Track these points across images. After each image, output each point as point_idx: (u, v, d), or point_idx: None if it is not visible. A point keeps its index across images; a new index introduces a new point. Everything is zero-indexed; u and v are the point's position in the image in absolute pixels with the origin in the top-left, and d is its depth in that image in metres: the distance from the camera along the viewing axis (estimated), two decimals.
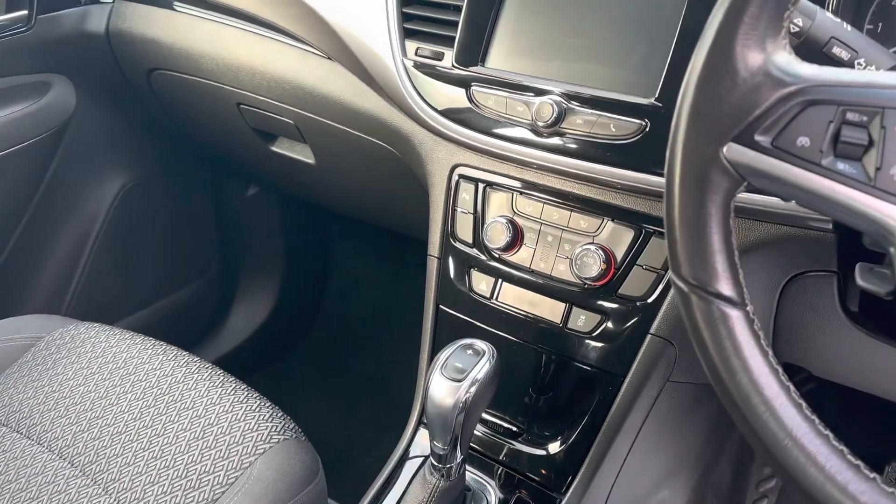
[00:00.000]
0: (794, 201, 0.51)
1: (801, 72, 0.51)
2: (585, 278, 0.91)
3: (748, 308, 0.53)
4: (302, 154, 1.33)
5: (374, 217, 1.51)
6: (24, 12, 1.30)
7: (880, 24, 0.80)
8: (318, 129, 1.22)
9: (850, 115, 0.49)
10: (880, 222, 0.48)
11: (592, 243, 0.91)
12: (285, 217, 1.79)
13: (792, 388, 0.51)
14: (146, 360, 1.08)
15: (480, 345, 0.85)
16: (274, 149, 1.38)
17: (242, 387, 1.03)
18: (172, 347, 1.10)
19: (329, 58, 1.13)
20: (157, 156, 1.60)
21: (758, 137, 0.51)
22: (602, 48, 0.88)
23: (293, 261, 1.83)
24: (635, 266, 0.89)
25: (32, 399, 1.04)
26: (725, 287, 0.52)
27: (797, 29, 0.59)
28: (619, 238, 0.90)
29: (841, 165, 0.49)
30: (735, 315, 0.52)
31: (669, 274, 0.56)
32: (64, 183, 1.46)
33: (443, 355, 0.84)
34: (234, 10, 1.22)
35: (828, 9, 0.75)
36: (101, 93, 1.45)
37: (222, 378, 1.04)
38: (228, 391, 1.02)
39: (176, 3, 1.31)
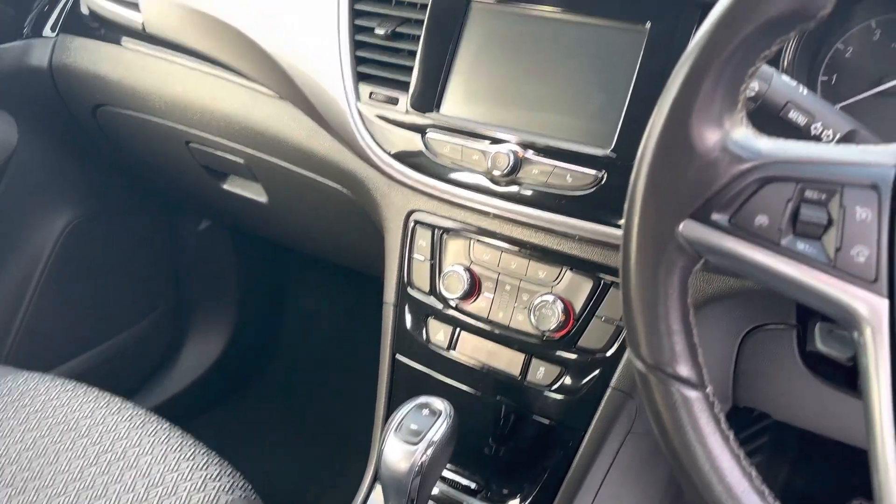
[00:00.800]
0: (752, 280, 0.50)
1: (759, 147, 0.49)
2: (544, 330, 0.89)
3: (707, 390, 0.51)
4: (254, 193, 1.29)
5: (331, 256, 1.47)
6: None
7: (834, 76, 0.79)
8: (269, 168, 1.19)
9: (808, 193, 0.48)
10: (842, 305, 0.47)
11: (551, 293, 0.89)
12: (239, 251, 1.74)
13: (754, 473, 0.50)
14: (88, 413, 1.03)
15: (437, 404, 0.82)
16: (225, 187, 1.34)
17: (189, 441, 0.98)
18: (116, 398, 1.05)
19: (280, 97, 1.10)
20: (105, 191, 1.55)
21: (715, 215, 0.49)
22: (558, 96, 0.86)
23: (247, 296, 1.78)
24: (594, 318, 0.88)
25: None
26: (684, 369, 0.50)
27: (753, 93, 0.58)
28: (578, 289, 0.89)
29: (801, 245, 0.48)
30: (695, 397, 0.50)
31: (628, 352, 0.54)
32: (4, 222, 1.40)
33: (398, 416, 0.81)
34: (183, 47, 1.18)
35: (782, 61, 0.75)
36: (44, 129, 1.39)
37: (168, 432, 0.99)
38: (174, 447, 0.97)
39: (124, 38, 1.27)
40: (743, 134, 0.50)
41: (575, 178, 0.84)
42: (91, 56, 1.30)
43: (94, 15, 1.29)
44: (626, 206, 0.52)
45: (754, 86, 0.58)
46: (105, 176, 1.53)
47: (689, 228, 0.50)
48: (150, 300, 1.70)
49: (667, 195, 0.50)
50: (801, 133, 0.59)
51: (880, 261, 0.46)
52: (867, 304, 0.46)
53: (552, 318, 0.88)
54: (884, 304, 0.45)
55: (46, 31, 1.34)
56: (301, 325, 1.86)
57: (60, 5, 1.34)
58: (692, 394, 0.50)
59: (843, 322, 0.47)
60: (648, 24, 0.80)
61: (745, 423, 1.32)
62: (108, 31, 1.29)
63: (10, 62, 1.31)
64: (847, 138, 0.60)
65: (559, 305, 0.88)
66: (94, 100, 1.34)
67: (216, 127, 1.19)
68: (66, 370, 1.51)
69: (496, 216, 0.91)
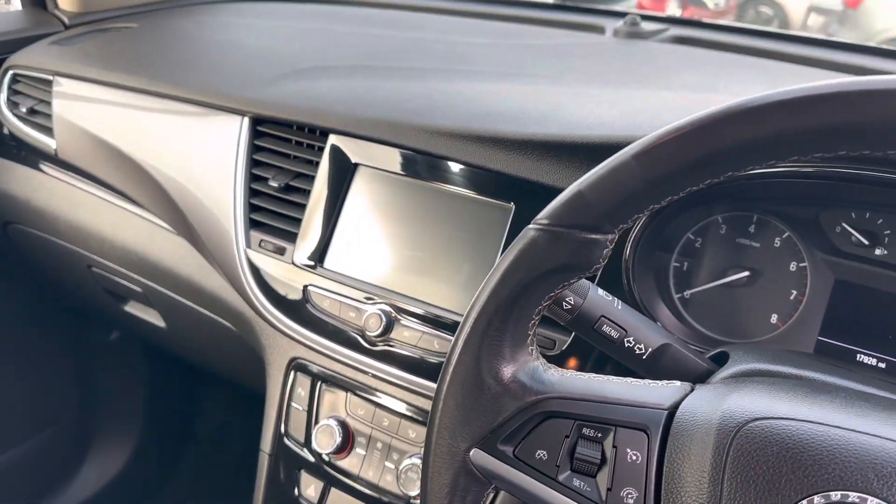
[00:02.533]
0: None
1: (545, 381, 0.52)
2: (409, 495, 0.88)
3: None
4: (153, 317, 1.29)
5: (233, 379, 1.46)
6: None
7: (685, 263, 0.83)
8: (165, 298, 1.19)
9: (585, 431, 0.50)
10: None
11: (419, 455, 0.90)
12: (148, 365, 1.71)
13: None
14: None
15: None
16: (127, 309, 1.33)
17: None
18: None
19: (177, 233, 1.12)
20: (13, 301, 1.53)
21: (501, 446, 0.51)
22: (432, 263, 0.89)
23: (153, 412, 1.74)
24: None
25: None
26: None
27: (570, 306, 0.61)
28: None
29: (576, 482, 0.49)
30: None
31: None
32: None
33: None
34: (92, 175, 1.20)
35: (627, 246, 0.79)
36: None
37: None
38: None
39: (40, 162, 1.28)
40: (531, 368, 0.52)
41: (442, 344, 0.86)
42: (3, 175, 1.31)
43: (12, 136, 1.31)
44: (427, 428, 0.53)
45: (570, 299, 0.60)
46: (14, 288, 1.52)
47: (478, 456, 0.51)
48: (51, 412, 1.65)
49: (460, 423, 0.52)
50: (615, 346, 0.62)
51: None
52: None
53: (418, 483, 0.88)
54: None
55: None
56: (211, 441, 1.82)
57: None
58: None
59: None
60: (513, 204, 0.84)
61: None
62: (26, 153, 1.31)
63: None
64: (658, 352, 0.62)
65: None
66: (4, 216, 1.34)
67: (115, 255, 1.19)
68: None
69: (370, 375, 0.92)
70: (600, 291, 0.62)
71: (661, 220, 0.79)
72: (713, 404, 0.50)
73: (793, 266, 0.79)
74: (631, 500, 0.48)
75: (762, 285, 0.81)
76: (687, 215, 0.83)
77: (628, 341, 0.62)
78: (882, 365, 0.75)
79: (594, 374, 0.54)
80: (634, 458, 0.49)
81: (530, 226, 0.52)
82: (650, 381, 0.54)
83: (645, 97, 0.93)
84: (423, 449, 0.53)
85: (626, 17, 1.30)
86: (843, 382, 0.58)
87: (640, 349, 0.63)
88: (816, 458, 0.45)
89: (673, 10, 7.92)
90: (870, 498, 0.43)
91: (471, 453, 0.51)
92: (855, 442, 0.46)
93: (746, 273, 0.81)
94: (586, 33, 1.31)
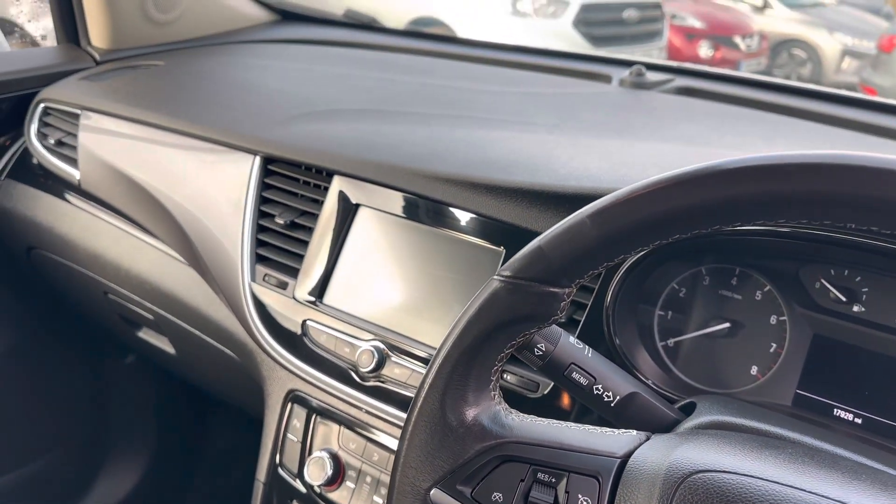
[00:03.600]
0: None
1: (505, 425, 0.54)
2: None
3: None
4: (163, 344, 1.33)
5: (241, 406, 1.50)
6: None
7: (669, 313, 0.85)
8: (174, 326, 1.23)
9: (540, 475, 0.52)
10: None
11: None
12: (161, 388, 1.76)
13: None
14: None
15: None
16: (140, 335, 1.38)
17: None
18: None
19: (188, 264, 1.16)
20: (35, 323, 1.59)
21: (459, 486, 0.53)
22: (426, 303, 0.92)
23: (165, 432, 1.78)
24: None
25: None
26: None
27: (541, 352, 0.63)
28: None
29: None
30: None
31: None
32: None
33: None
34: (112, 206, 1.26)
35: (608, 295, 0.81)
36: None
37: None
38: None
39: (65, 191, 1.35)
40: (493, 411, 0.55)
41: None
42: (29, 202, 1.38)
43: (40, 166, 1.38)
44: (392, 466, 0.56)
45: (542, 346, 0.63)
46: (36, 310, 1.58)
47: (437, 496, 0.54)
48: (66, 431, 1.70)
49: (422, 462, 0.54)
50: (584, 393, 0.64)
51: None
52: None
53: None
54: None
55: None
56: (220, 464, 1.85)
57: (10, 153, 1.43)
58: None
59: None
60: (503, 249, 0.87)
61: None
62: (51, 182, 1.37)
63: None
64: (626, 400, 0.64)
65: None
66: (28, 242, 1.40)
67: (130, 283, 1.24)
68: None
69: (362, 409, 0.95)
70: (571, 339, 0.64)
71: (643, 270, 0.82)
72: (662, 455, 0.52)
73: (773, 319, 0.81)
74: None
75: (743, 337, 0.82)
76: (672, 266, 0.85)
77: (597, 389, 0.64)
78: (858, 420, 0.76)
79: (553, 421, 0.56)
80: (585, 503, 0.51)
81: (494, 277, 0.55)
82: (608, 429, 0.56)
83: (638, 149, 0.96)
84: (388, 489, 0.56)
85: (632, 66, 1.34)
86: (801, 438, 0.59)
87: (609, 397, 0.65)
88: None
89: (705, 51, 7.97)
90: None
91: (431, 493, 0.54)
92: (791, 497, 0.47)
93: (727, 324, 0.83)
94: (593, 82, 1.35)
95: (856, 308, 0.77)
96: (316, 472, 0.96)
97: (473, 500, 0.53)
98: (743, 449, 0.52)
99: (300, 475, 1.00)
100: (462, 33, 5.78)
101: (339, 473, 0.97)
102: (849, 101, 1.20)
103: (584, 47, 6.02)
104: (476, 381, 0.55)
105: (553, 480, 0.52)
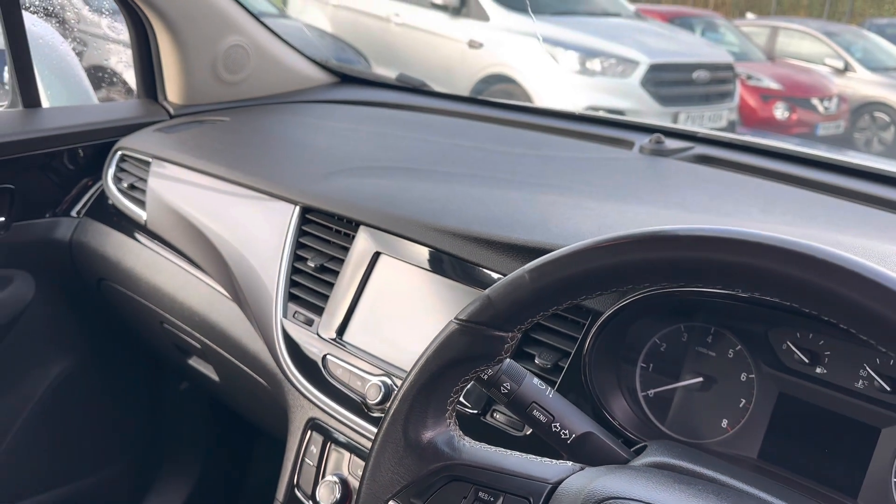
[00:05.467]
0: None
1: (456, 448, 0.63)
2: None
3: None
4: (209, 371, 1.46)
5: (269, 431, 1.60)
6: (2, 219, 1.51)
7: (651, 365, 0.92)
8: (218, 356, 1.36)
9: (481, 494, 0.61)
10: None
11: None
12: (211, 414, 1.89)
13: None
14: None
15: None
16: (190, 362, 1.52)
17: None
18: None
19: (231, 299, 1.29)
20: (100, 348, 1.75)
21: (413, 500, 0.62)
22: (423, 342, 1.01)
23: (212, 460, 1.91)
24: None
25: None
26: None
27: (506, 390, 0.72)
28: None
29: None
30: None
31: None
32: (7, 363, 1.60)
33: None
34: (169, 244, 1.41)
35: (585, 347, 0.88)
36: (57, 291, 1.63)
37: None
38: None
39: (134, 230, 1.52)
40: (447, 436, 0.64)
41: None
42: (102, 238, 1.55)
43: (113, 206, 1.55)
44: (360, 480, 0.65)
45: (507, 385, 0.71)
46: (101, 335, 1.75)
47: None
48: (119, 449, 1.85)
49: (383, 477, 0.63)
50: (544, 429, 0.72)
51: None
52: None
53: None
54: None
55: (73, 212, 1.61)
56: (256, 494, 1.96)
57: (89, 194, 1.62)
58: None
59: None
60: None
61: None
62: (123, 221, 1.54)
63: (39, 235, 1.58)
64: (582, 439, 0.72)
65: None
66: (99, 274, 1.58)
67: (182, 315, 1.39)
68: None
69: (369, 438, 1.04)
70: (535, 381, 0.73)
71: (619, 323, 0.89)
72: (586, 483, 0.59)
73: (743, 376, 0.87)
74: None
75: (715, 391, 0.88)
76: (652, 321, 0.92)
77: (555, 426, 0.72)
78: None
79: (500, 448, 0.65)
80: None
81: (451, 320, 0.64)
82: (546, 458, 0.64)
83: (632, 214, 1.04)
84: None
85: (652, 133, 1.42)
86: (725, 479, 0.65)
87: (565, 434, 0.73)
88: None
89: (781, 112, 7.90)
90: None
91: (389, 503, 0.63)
92: None
93: (700, 379, 0.89)
94: (615, 148, 1.44)
95: (818, 370, 0.83)
96: (326, 495, 1.05)
97: None
98: (658, 483, 0.59)
99: (313, 497, 1.09)
100: (531, 90, 5.94)
101: (346, 497, 1.05)
102: (873, 178, 1.22)
103: (652, 107, 6.09)
104: (434, 409, 0.64)
105: (491, 500, 0.60)
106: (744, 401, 0.86)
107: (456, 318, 0.64)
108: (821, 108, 8.07)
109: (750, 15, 12.76)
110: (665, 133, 1.43)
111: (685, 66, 6.40)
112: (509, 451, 0.64)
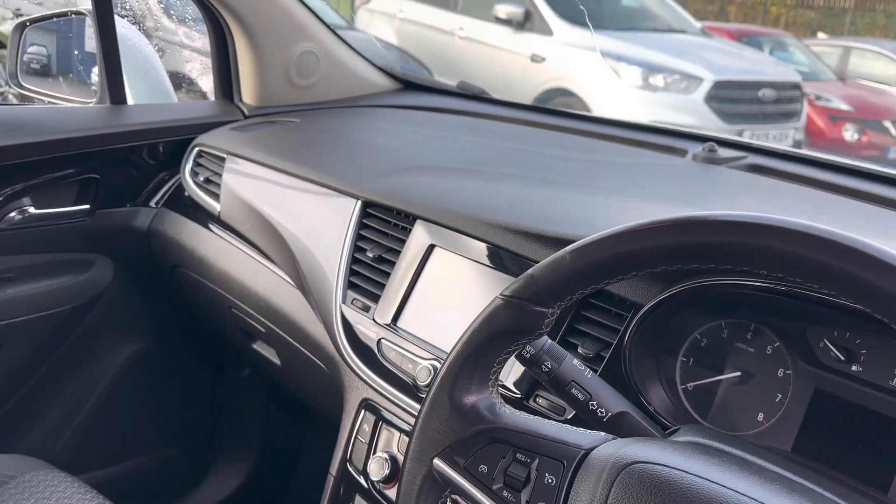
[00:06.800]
0: None
1: (497, 414, 0.69)
2: None
3: None
4: (272, 355, 1.55)
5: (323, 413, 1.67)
6: (88, 206, 1.63)
7: (691, 359, 0.96)
8: (281, 340, 1.45)
9: (518, 455, 0.66)
10: None
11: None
12: (269, 402, 1.99)
13: None
14: None
15: None
16: (254, 346, 1.61)
17: None
18: None
19: (296, 286, 1.38)
20: (171, 331, 1.87)
21: (456, 457, 0.68)
22: None
23: (269, 445, 2.00)
24: None
25: None
26: None
27: (547, 369, 0.77)
28: None
29: (505, 493, 0.65)
30: None
31: None
32: (86, 341, 1.73)
33: None
34: (239, 233, 1.51)
35: (626, 338, 0.93)
36: (134, 276, 1.75)
37: None
38: None
39: (209, 220, 1.62)
40: (490, 402, 0.69)
41: None
42: (177, 228, 1.66)
43: (189, 198, 1.66)
44: (408, 439, 0.71)
45: (548, 364, 0.77)
46: (172, 320, 1.86)
47: (438, 463, 0.68)
48: (181, 429, 1.96)
49: (430, 436, 0.69)
50: (581, 407, 0.77)
51: None
52: None
53: None
54: None
55: (152, 203, 1.73)
56: (310, 482, 2.04)
57: (167, 186, 1.73)
58: None
59: None
60: None
61: None
62: (198, 212, 1.65)
63: (120, 222, 1.70)
64: (618, 417, 0.76)
65: None
66: (173, 260, 1.69)
67: (249, 300, 1.48)
68: (97, 477, 1.76)
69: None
70: (575, 361, 0.78)
71: (659, 315, 0.93)
72: (616, 450, 0.64)
73: (780, 372, 0.90)
74: None
75: (753, 385, 0.92)
76: (693, 316, 0.96)
77: (592, 404, 0.77)
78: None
79: (537, 417, 0.70)
80: (550, 481, 0.64)
81: (497, 296, 0.70)
82: (581, 428, 0.69)
83: (679, 213, 1.08)
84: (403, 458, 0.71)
85: (706, 142, 1.45)
86: (758, 461, 0.69)
87: (602, 412, 0.77)
88: (676, 497, 0.58)
89: (850, 134, 7.71)
90: None
91: (434, 461, 0.69)
92: (716, 491, 0.58)
93: (739, 373, 0.92)
94: (668, 155, 1.47)
95: (854, 367, 0.85)
96: (376, 470, 1.11)
97: (465, 469, 0.67)
98: (687, 452, 0.64)
99: (364, 471, 1.16)
100: (592, 104, 5.95)
101: (395, 472, 1.12)
102: None
103: (715, 124, 6.03)
104: (478, 377, 0.69)
105: (528, 461, 0.66)
106: (780, 395, 0.89)
107: (501, 294, 0.70)
108: (894, 131, 7.84)
109: (821, 35, 12.46)
110: (719, 143, 1.46)
111: (751, 83, 6.32)
112: (546, 420, 0.69)
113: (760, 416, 0.90)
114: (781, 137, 6.36)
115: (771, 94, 6.32)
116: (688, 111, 6.05)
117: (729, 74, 6.18)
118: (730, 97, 6.17)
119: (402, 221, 1.23)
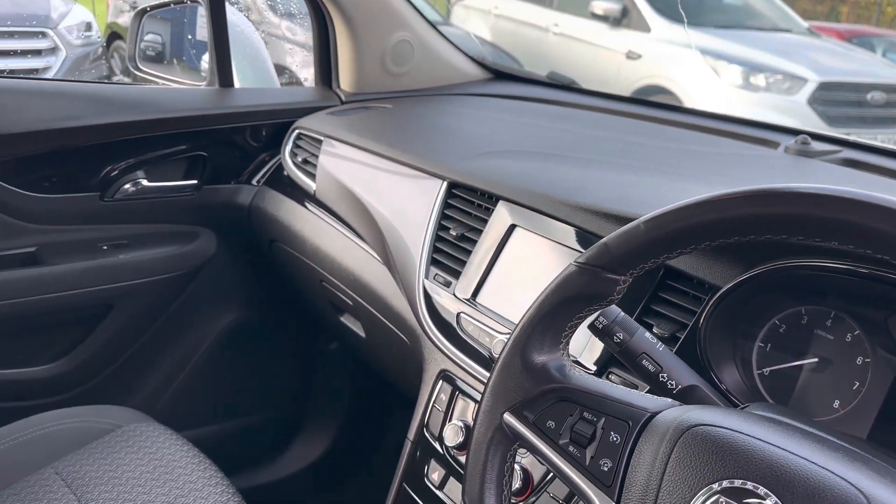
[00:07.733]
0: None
1: (567, 374, 0.72)
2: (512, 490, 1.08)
3: None
4: (358, 328, 1.63)
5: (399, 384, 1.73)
6: (195, 182, 1.75)
7: (769, 345, 0.96)
8: (367, 313, 1.52)
9: (585, 414, 0.69)
10: (587, 497, 0.67)
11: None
12: (354, 375, 2.07)
13: None
14: (189, 481, 1.31)
15: None
16: (342, 319, 1.69)
17: None
18: (217, 474, 1.31)
19: (382, 262, 1.44)
20: (265, 303, 1.98)
21: (526, 412, 0.72)
22: None
23: (353, 417, 2.08)
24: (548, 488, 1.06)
25: (96, 476, 1.30)
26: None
27: (619, 340, 0.79)
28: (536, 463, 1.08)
29: (571, 448, 0.69)
30: None
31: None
32: (188, 308, 1.85)
33: None
34: (332, 210, 1.59)
35: (702, 319, 0.94)
36: (235, 249, 1.86)
37: None
38: None
39: (305, 198, 1.71)
40: (560, 363, 0.73)
41: None
42: (276, 205, 1.76)
43: (288, 178, 1.76)
44: (481, 394, 0.75)
45: (620, 335, 0.79)
46: (268, 292, 1.97)
47: (509, 418, 0.72)
48: (272, 396, 2.07)
49: (502, 392, 0.73)
50: (652, 378, 0.79)
51: (617, 473, 0.66)
52: (601, 502, 0.65)
53: (514, 482, 1.08)
54: None
55: (253, 181, 1.84)
56: (390, 456, 2.11)
57: (268, 166, 1.84)
58: None
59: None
60: None
61: None
62: (295, 191, 1.75)
63: (224, 198, 1.82)
64: (687, 390, 0.78)
65: (519, 474, 1.08)
66: (271, 235, 1.79)
67: (339, 274, 1.55)
68: (193, 434, 1.88)
69: None
70: (647, 334, 0.80)
71: (736, 299, 0.94)
72: (681, 413, 0.66)
73: (859, 360, 0.89)
74: (606, 469, 0.66)
75: (830, 372, 0.91)
76: (771, 301, 0.96)
77: (662, 377, 0.79)
78: None
79: (603, 380, 0.73)
80: (615, 439, 0.67)
81: (571, 263, 0.73)
82: (648, 393, 0.71)
83: None
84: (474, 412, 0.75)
85: (798, 135, 1.43)
86: (828, 436, 0.69)
87: (672, 385, 0.79)
88: (737, 457, 0.60)
89: None
90: (762, 489, 0.58)
91: (504, 415, 0.73)
92: (777, 455, 0.60)
93: (817, 360, 0.92)
94: (759, 146, 1.46)
95: None
96: (451, 436, 1.16)
97: (534, 424, 0.71)
98: (755, 420, 0.65)
99: (440, 437, 1.21)
100: (689, 102, 5.82)
101: (468, 440, 1.16)
102: None
103: (818, 126, 5.78)
104: (550, 339, 0.73)
105: (594, 419, 0.69)
106: (857, 383, 0.89)
107: (575, 261, 0.73)
108: None
109: None
110: (813, 137, 1.43)
111: (859, 85, 6.01)
112: (614, 384, 0.72)
113: (836, 403, 0.90)
114: (889, 143, 6.02)
115: (880, 98, 5.99)
116: (790, 112, 5.82)
117: (835, 76, 5.91)
118: (835, 99, 5.90)
119: (485, 202, 1.27)
